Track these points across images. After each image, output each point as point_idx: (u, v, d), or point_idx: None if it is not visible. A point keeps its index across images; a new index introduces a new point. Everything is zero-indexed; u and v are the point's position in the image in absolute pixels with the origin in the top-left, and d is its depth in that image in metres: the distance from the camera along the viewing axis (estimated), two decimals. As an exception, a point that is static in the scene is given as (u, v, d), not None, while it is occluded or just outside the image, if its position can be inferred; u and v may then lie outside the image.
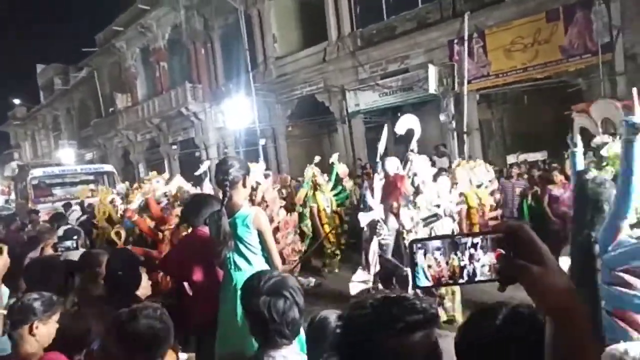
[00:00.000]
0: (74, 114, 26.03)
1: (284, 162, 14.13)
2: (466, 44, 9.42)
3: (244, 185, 2.27)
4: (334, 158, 6.73)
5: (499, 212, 5.67)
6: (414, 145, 3.90)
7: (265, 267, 2.22)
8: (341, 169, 6.85)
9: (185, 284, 2.82)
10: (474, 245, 0.59)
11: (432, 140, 11.72)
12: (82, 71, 23.90)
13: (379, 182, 3.72)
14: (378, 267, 3.53)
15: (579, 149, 2.80)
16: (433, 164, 8.43)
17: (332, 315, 1.75)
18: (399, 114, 13.29)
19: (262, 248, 2.24)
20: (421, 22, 10.39)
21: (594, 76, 8.20)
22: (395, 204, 3.73)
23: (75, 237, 3.47)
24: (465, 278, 0.60)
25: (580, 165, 2.80)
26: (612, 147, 4.27)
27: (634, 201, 2.02)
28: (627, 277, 1.91)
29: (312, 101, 12.97)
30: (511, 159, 8.59)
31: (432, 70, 9.77)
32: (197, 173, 5.52)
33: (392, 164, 3.88)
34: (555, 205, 5.67)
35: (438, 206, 3.86)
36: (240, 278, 2.19)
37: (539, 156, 8.28)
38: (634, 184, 1.98)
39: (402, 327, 0.75)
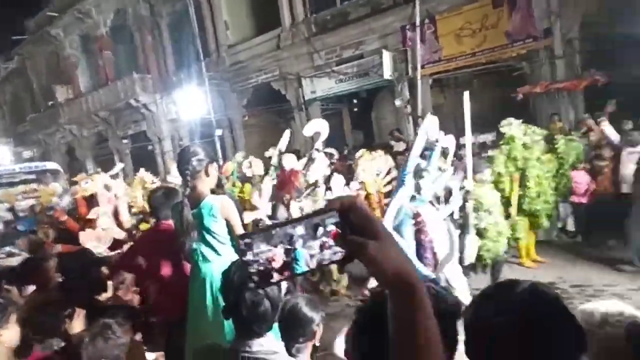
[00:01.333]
0: (6, 109, 23.91)
1: (242, 152, 13.85)
2: (418, 29, 9.59)
3: (207, 174, 2.19)
4: (273, 152, 6.97)
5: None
6: (319, 144, 4.38)
7: (235, 256, 2.16)
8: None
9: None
10: (314, 228, 0.57)
11: (389, 125, 11.96)
12: (13, 61, 21.90)
13: (269, 183, 4.07)
14: None
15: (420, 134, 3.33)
16: (391, 148, 8.72)
17: (302, 301, 1.77)
18: (355, 100, 13.55)
19: (231, 238, 2.19)
20: (375, 7, 10.44)
21: (536, 60, 8.67)
22: (287, 196, 4.08)
23: (15, 242, 3.21)
24: (315, 264, 0.58)
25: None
26: (511, 128, 4.80)
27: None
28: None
29: (268, 89, 12.76)
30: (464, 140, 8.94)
31: (387, 56, 9.89)
32: (109, 174, 5.42)
33: (290, 161, 4.34)
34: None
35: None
36: (208, 270, 2.14)
37: (489, 137, 8.67)
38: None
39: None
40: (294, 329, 1.67)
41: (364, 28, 10.55)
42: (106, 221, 3.68)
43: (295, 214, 4.11)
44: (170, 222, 2.42)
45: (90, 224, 3.68)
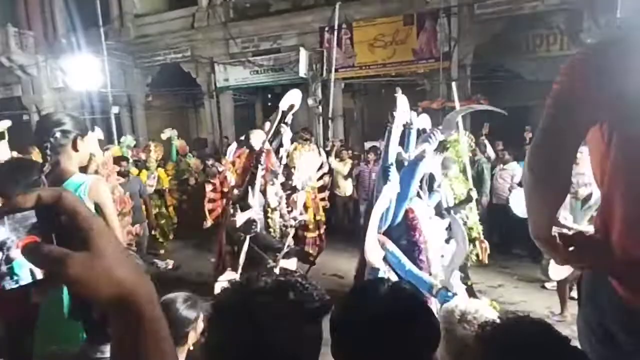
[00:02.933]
0: None
1: (142, 134, 12.70)
2: (336, 33, 9.86)
3: (75, 149, 1.85)
4: (171, 133, 6.62)
5: (327, 193, 6.16)
6: (289, 118, 3.86)
7: None
8: (180, 144, 6.79)
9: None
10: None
11: (300, 123, 12.06)
12: None
13: (260, 175, 3.49)
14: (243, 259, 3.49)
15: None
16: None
17: (179, 298, 1.61)
18: (269, 95, 13.40)
19: None
20: (295, 4, 10.44)
21: (436, 79, 9.56)
22: (262, 181, 3.60)
23: None
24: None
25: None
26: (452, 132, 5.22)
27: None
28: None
29: (177, 70, 11.91)
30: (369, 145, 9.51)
31: (303, 54, 9.97)
32: None
33: (258, 138, 3.76)
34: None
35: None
36: None
37: (390, 145, 9.32)
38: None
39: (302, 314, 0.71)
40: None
41: (283, 22, 10.49)
42: None
43: (272, 200, 3.65)
44: None
45: None
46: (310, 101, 10.28)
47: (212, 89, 11.49)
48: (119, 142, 7.73)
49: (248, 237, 3.49)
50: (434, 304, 2.14)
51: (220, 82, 11.28)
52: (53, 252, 0.40)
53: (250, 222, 3.43)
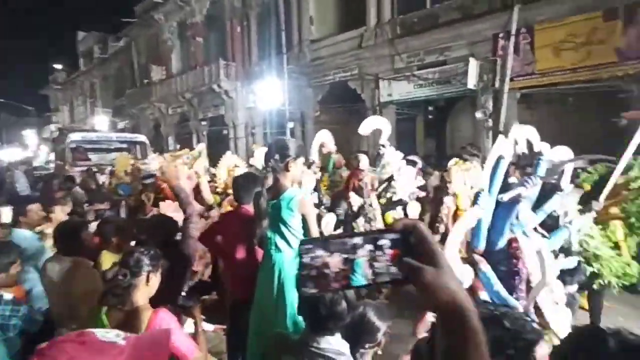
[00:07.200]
0: (110, 83, 26.73)
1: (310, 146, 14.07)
2: (512, 38, 8.95)
3: (287, 169, 2.30)
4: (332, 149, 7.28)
5: None
6: (384, 140, 4.53)
7: None
8: (337, 158, 7.34)
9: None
10: (374, 246, 0.58)
11: (464, 138, 11.36)
12: (121, 41, 24.37)
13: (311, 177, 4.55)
14: None
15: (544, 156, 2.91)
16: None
17: (370, 310, 1.78)
18: (431, 108, 13.05)
19: (304, 232, 2.28)
20: (466, 12, 9.93)
21: (650, 83, 7.64)
22: (347, 194, 4.59)
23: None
24: (362, 281, 0.58)
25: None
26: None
27: None
28: None
29: (344, 88, 12.77)
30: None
31: (473, 64, 9.37)
32: (194, 152, 6.09)
33: (362, 160, 4.82)
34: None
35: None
36: (279, 259, 2.27)
37: (580, 163, 7.83)
38: None
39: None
40: (361, 335, 1.74)
41: (452, 33, 10.09)
42: None
43: (356, 206, 4.38)
44: (249, 207, 2.56)
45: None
46: (478, 114, 9.58)
47: (375, 104, 11.88)
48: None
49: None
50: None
51: (384, 97, 11.58)
52: (413, 263, 0.56)
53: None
